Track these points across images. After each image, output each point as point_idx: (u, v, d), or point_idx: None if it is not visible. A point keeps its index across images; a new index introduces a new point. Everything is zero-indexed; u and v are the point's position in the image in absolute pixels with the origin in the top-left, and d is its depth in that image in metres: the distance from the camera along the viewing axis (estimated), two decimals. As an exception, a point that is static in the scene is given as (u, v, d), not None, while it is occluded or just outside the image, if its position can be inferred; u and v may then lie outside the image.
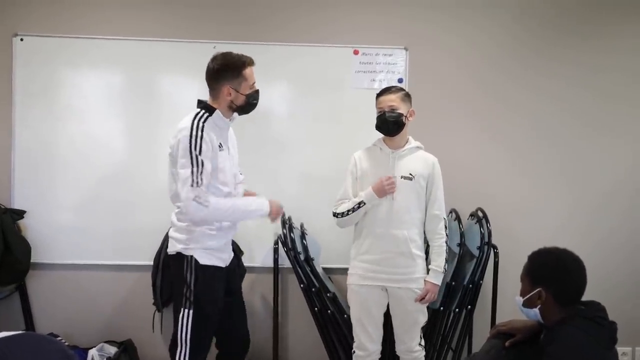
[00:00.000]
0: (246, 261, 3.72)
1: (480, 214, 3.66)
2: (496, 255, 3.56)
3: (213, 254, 2.94)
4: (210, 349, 3.04)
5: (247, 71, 2.91)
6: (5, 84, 3.83)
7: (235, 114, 3.00)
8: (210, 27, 3.89)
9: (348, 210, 3.18)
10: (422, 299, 3.15)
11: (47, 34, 3.83)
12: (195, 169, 2.73)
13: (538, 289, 2.33)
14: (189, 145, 2.75)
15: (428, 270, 3.20)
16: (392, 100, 3.13)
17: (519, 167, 4.06)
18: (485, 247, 3.45)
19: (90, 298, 3.92)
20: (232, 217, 2.93)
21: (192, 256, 2.88)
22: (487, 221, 3.57)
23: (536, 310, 2.36)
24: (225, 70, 2.88)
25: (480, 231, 3.52)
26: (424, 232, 3.25)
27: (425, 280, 3.15)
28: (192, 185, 2.72)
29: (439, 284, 3.18)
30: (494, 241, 3.51)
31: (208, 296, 2.92)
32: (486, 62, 4.01)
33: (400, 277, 3.15)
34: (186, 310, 2.87)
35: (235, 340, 3.15)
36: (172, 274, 3.01)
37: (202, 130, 2.78)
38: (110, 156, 3.67)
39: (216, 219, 2.87)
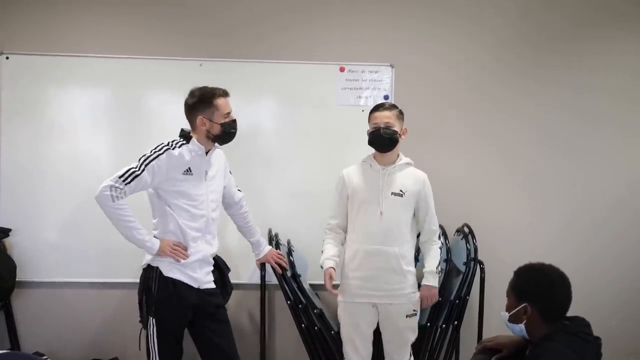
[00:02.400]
0: (232, 278, 3.63)
1: (466, 229, 3.65)
2: (482, 270, 3.53)
3: (181, 270, 2.97)
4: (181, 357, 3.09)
5: (220, 101, 2.97)
6: None
7: (215, 144, 3.06)
8: (197, 45, 3.89)
9: (323, 249, 3.23)
10: (425, 304, 3.18)
11: (33, 52, 3.81)
12: (135, 170, 2.84)
13: (524, 305, 2.31)
14: (148, 153, 2.89)
15: (419, 285, 3.19)
16: (388, 117, 3.13)
17: (504, 183, 4.05)
18: (472, 262, 3.44)
19: (76, 316, 3.89)
20: (118, 228, 2.91)
21: (157, 267, 2.95)
22: (474, 237, 3.56)
23: (522, 325, 2.33)
24: (198, 102, 2.96)
25: (467, 247, 3.51)
26: (417, 245, 3.25)
27: (423, 287, 3.16)
28: (121, 177, 2.83)
29: (436, 285, 3.18)
30: (480, 257, 3.48)
31: (169, 307, 2.95)
32: (471, 81, 4.00)
33: (390, 293, 3.14)
34: (151, 319, 2.94)
35: None
36: (140, 286, 3.03)
37: (164, 152, 2.90)
38: (96, 175, 3.54)
39: (109, 217, 2.88)
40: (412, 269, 3.19)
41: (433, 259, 3.19)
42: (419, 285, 3.21)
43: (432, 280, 3.17)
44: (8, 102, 3.82)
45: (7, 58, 3.80)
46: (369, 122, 3.17)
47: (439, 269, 3.20)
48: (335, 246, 3.24)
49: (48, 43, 3.82)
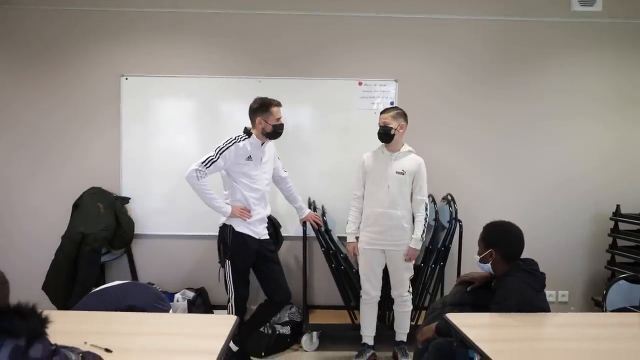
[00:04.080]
0: (283, 232, 3.74)
1: (449, 197, 3.64)
2: (461, 227, 3.54)
3: (247, 226, 3.02)
4: (248, 291, 3.11)
5: (274, 109, 3.00)
6: (115, 110, 3.87)
7: (267, 139, 3.06)
8: (257, 66, 3.88)
9: (348, 222, 3.26)
10: (408, 259, 3.18)
11: (144, 74, 3.85)
12: (212, 157, 2.90)
13: (490, 250, 2.36)
14: (221, 144, 2.94)
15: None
16: (386, 118, 3.14)
17: (478, 165, 4.03)
18: (453, 221, 3.44)
19: (175, 258, 3.96)
20: (202, 199, 2.96)
21: (231, 225, 3.01)
22: (454, 202, 3.56)
23: (489, 265, 2.39)
24: (259, 107, 2.99)
25: (450, 209, 3.51)
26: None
27: (408, 247, 3.17)
28: (203, 163, 2.88)
29: (418, 248, 3.19)
30: (459, 217, 3.49)
31: (239, 252, 3.00)
32: (455, 89, 3.96)
33: (394, 242, 3.17)
34: (227, 261, 3.00)
35: (279, 292, 3.16)
36: (218, 238, 3.08)
37: (232, 144, 2.94)
38: (186, 160, 3.57)
39: (196, 191, 2.94)
40: (410, 225, 3.20)
41: (419, 229, 3.17)
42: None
43: (416, 244, 3.17)
44: (126, 110, 3.87)
45: (126, 79, 3.85)
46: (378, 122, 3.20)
47: (422, 237, 3.17)
48: (357, 218, 3.24)
49: (154, 66, 3.86)
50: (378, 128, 3.16)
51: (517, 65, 3.98)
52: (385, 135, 3.14)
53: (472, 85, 3.98)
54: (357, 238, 3.27)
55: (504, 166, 4.04)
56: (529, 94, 4.00)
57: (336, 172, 3.89)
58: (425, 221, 3.17)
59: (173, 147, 3.89)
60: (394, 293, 3.29)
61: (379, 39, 3.91)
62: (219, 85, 3.89)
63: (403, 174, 3.14)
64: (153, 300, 2.35)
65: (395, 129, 3.12)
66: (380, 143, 3.22)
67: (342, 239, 3.59)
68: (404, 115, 3.18)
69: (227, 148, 2.92)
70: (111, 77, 3.86)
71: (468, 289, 2.47)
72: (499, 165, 4.04)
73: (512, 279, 2.25)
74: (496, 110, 4.01)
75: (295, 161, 3.82)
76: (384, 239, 3.17)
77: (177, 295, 3.73)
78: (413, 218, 3.25)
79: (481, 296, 2.37)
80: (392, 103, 3.87)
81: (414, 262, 3.23)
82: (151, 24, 3.86)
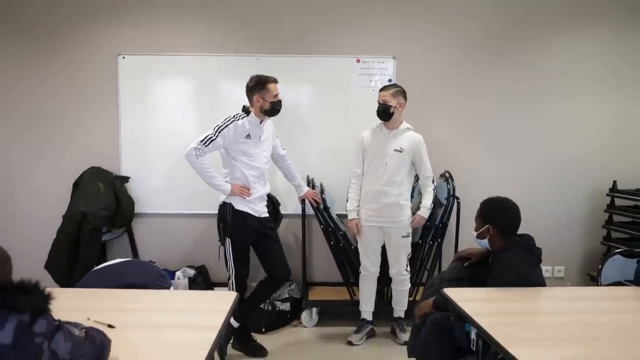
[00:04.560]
0: (282, 210, 3.72)
1: (447, 174, 3.61)
2: (459, 204, 3.52)
3: (246, 204, 2.99)
4: (248, 269, 3.08)
5: (271, 86, 2.95)
6: (113, 90, 3.82)
7: (266, 116, 3.03)
8: (254, 45, 3.82)
9: (349, 199, 3.25)
10: (415, 223, 3.19)
11: (141, 52, 3.79)
12: (211, 136, 2.86)
13: (487, 226, 2.35)
14: (219, 123, 2.90)
15: (413, 214, 3.21)
16: (385, 95, 3.11)
17: (477, 143, 3.99)
18: (451, 198, 3.41)
19: (175, 236, 3.94)
20: (202, 177, 2.93)
21: (230, 203, 2.98)
22: (452, 179, 3.52)
23: (486, 241, 2.38)
24: (256, 85, 2.95)
25: (447, 187, 3.48)
26: (418, 186, 3.26)
27: (417, 214, 3.18)
28: (201, 141, 2.85)
29: (426, 217, 3.21)
30: (457, 194, 3.46)
31: (239, 230, 2.98)
32: (454, 67, 3.91)
33: (391, 219, 3.17)
34: (227, 239, 2.97)
35: (279, 269, 3.15)
36: (218, 216, 3.05)
37: (231, 122, 2.89)
38: (185, 139, 3.50)
39: (195, 170, 2.90)
40: (408, 203, 3.21)
41: (428, 199, 3.20)
42: (413, 214, 3.23)
43: (425, 213, 3.19)
44: (125, 89, 3.81)
45: (123, 58, 3.78)
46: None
47: (431, 206, 3.19)
48: (358, 195, 3.23)
49: (152, 45, 3.79)
50: (377, 106, 3.13)
51: (517, 42, 3.92)
52: (384, 113, 3.10)
53: (471, 64, 3.92)
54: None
55: (503, 145, 4.01)
56: (528, 72, 3.94)
57: (335, 150, 3.85)
58: (434, 192, 3.18)
59: (172, 126, 3.84)
60: (392, 271, 3.28)
61: (377, 16, 3.84)
62: (217, 63, 3.82)
63: (401, 151, 3.12)
64: (154, 277, 2.34)
65: (394, 107, 3.09)
66: (378, 121, 3.19)
67: (341, 216, 3.61)
68: (403, 93, 3.15)
69: (226, 126, 2.90)
70: (110, 56, 3.80)
71: (465, 264, 2.47)
72: (497, 144, 4.01)
73: (508, 255, 2.25)
74: (495, 88, 3.95)
75: (294, 139, 3.77)
76: (381, 216, 3.16)
77: (178, 273, 3.73)
78: (411, 195, 3.25)
79: (478, 272, 2.37)
80: (390, 80, 3.80)
81: (410, 236, 3.22)
82: (148, 1, 3.79)
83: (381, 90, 3.14)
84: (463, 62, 3.92)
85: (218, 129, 2.89)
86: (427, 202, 3.16)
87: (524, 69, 3.94)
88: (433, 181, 3.20)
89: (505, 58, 3.94)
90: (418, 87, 3.75)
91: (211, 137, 2.87)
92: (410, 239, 3.24)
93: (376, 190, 3.16)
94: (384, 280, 3.41)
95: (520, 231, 2.36)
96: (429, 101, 3.89)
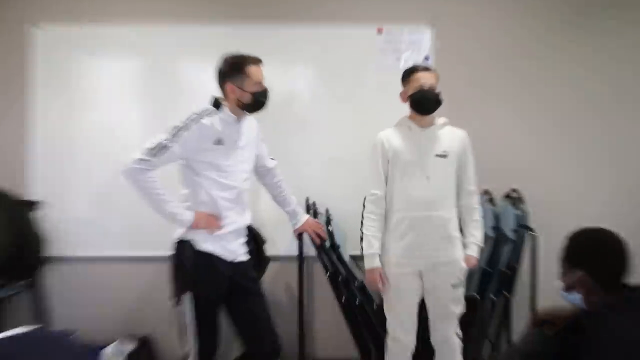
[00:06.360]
0: (269, 250, 3.18)
1: (515, 194, 3.19)
2: (534, 238, 3.10)
3: (216, 241, 2.71)
4: (218, 340, 2.80)
5: (251, 69, 2.71)
6: (19, 74, 3.43)
7: (245, 112, 2.78)
8: (230, 9, 3.47)
9: (366, 237, 2.87)
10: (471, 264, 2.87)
11: (63, 22, 3.44)
12: (165, 141, 2.61)
13: (578, 271, 2.02)
14: (177, 123, 2.65)
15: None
16: (431, 78, 2.81)
17: (554, 145, 3.52)
18: (523, 230, 3.04)
19: (107, 292, 3.50)
20: (148, 202, 2.66)
21: (190, 241, 2.69)
22: (523, 201, 3.15)
23: (578, 296, 2.04)
24: (230, 69, 2.72)
25: (515, 212, 3.09)
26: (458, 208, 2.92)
27: (467, 255, 2.84)
28: (150, 149, 2.60)
29: (478, 256, 2.90)
30: (531, 223, 3.08)
31: (204, 281, 2.71)
32: (517, 39, 3.52)
33: (437, 260, 2.76)
34: (186, 295, 2.69)
35: (263, 340, 2.81)
36: (172, 261, 2.73)
37: (195, 122, 2.67)
38: (129, 146, 3.18)
39: (139, 191, 2.64)
40: (459, 234, 2.81)
41: (477, 230, 2.82)
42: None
43: (477, 252, 2.85)
44: (40, 74, 3.46)
45: (38, 29, 3.41)
46: (408, 83, 2.80)
47: (482, 242, 2.84)
48: (380, 230, 2.89)
49: (80, 12, 3.44)
50: (416, 92, 2.73)
51: (616, 12, 3.45)
52: (437, 103, 2.78)
53: (543, 35, 3.47)
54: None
55: (595, 149, 3.51)
56: (628, 48, 3.46)
57: (346, 160, 3.42)
58: (481, 217, 2.89)
59: (107, 126, 3.43)
60: (435, 337, 2.82)
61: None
62: (176, 37, 3.44)
63: (445, 156, 2.77)
64: (69, 360, 1.99)
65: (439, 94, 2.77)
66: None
67: (357, 258, 3.12)
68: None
69: (186, 127, 2.59)
70: (15, 26, 3.43)
71: (550, 333, 2.07)
72: (586, 148, 3.51)
73: (615, 319, 1.85)
74: (579, 72, 3.48)
75: (287, 144, 3.41)
76: (422, 256, 2.74)
77: (110, 349, 3.24)
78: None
79: (568, 344, 1.96)
80: (427, 58, 3.39)
81: (463, 285, 2.86)
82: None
83: (423, 70, 2.84)
84: (533, 31, 3.51)
85: (175, 130, 2.58)
86: (478, 235, 2.82)
87: (622, 44, 3.49)
88: (478, 200, 2.89)
89: (595, 29, 3.50)
90: (466, 67, 3.41)
91: (165, 144, 2.58)
92: (463, 289, 2.83)
93: (415, 218, 2.75)
94: (424, 353, 2.90)
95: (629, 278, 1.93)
96: (484, 87, 3.51)
